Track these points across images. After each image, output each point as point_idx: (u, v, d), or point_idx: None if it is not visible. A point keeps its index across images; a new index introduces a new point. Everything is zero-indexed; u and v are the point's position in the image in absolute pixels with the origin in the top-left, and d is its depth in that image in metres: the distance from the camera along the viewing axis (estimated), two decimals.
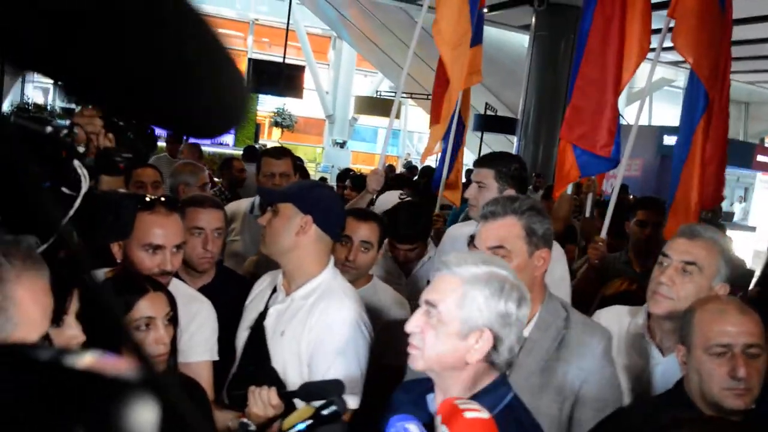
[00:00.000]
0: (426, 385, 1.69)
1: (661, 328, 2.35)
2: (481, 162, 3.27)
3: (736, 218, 16.45)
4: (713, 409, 1.84)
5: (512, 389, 1.67)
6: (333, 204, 2.50)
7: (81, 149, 1.53)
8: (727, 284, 2.28)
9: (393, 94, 20.65)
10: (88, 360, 0.49)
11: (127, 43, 0.57)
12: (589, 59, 4.30)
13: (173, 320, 1.99)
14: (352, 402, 2.22)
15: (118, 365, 0.48)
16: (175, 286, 2.39)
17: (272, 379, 2.26)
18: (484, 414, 1.36)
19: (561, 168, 4.32)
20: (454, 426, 1.32)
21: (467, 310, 1.56)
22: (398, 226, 3.50)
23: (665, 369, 2.27)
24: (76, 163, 1.44)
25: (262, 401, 1.99)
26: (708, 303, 1.96)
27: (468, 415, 1.33)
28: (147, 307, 1.91)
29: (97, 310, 1.57)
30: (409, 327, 1.62)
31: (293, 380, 2.27)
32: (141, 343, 1.85)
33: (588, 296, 3.76)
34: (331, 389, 1.90)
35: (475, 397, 1.56)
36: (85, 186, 1.45)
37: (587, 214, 5.30)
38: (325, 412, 1.76)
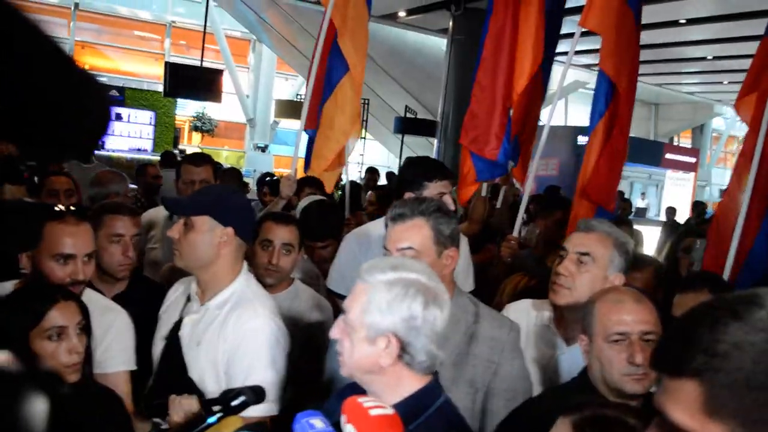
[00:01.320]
0: (358, 391, 1.69)
1: (565, 319, 2.46)
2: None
3: (649, 214, 17.14)
4: (615, 395, 1.95)
5: (443, 394, 1.69)
6: (247, 210, 2.50)
7: None
8: (622, 274, 2.41)
9: None
10: None
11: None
12: (483, 66, 4.46)
13: (86, 329, 1.97)
14: (272, 408, 2.24)
15: (4, 359, 0.51)
16: (89, 296, 2.36)
17: (190, 389, 2.24)
18: (389, 410, 1.38)
19: (461, 172, 4.44)
20: (360, 424, 1.34)
21: (371, 315, 1.59)
22: (309, 224, 3.55)
23: (570, 358, 2.38)
24: None
25: (183, 409, 1.99)
26: (606, 294, 2.06)
27: (373, 412, 1.36)
28: (58, 316, 1.89)
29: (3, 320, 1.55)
30: (332, 334, 1.67)
31: (211, 389, 2.26)
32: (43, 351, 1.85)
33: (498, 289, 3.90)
34: (251, 395, 1.92)
35: (400, 403, 1.59)
36: None
37: (498, 205, 5.41)
38: (233, 402, 1.79)
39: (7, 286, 2.06)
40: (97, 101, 0.78)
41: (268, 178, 6.75)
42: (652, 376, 1.92)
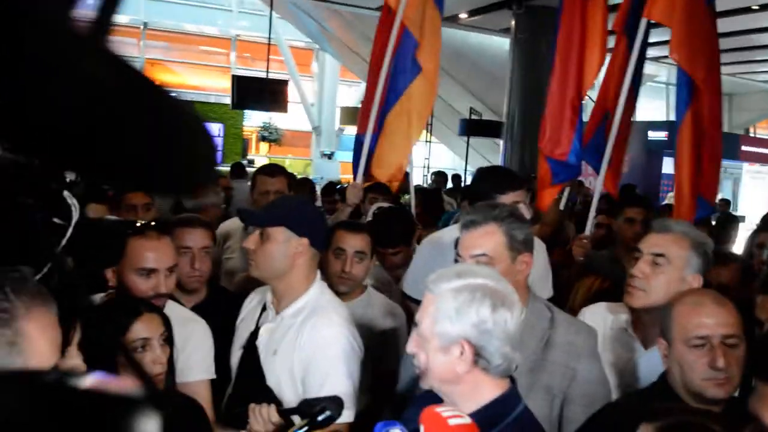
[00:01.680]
0: (437, 399, 1.70)
1: (642, 322, 2.41)
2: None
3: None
4: (696, 400, 1.90)
5: (522, 401, 1.69)
6: (320, 219, 2.56)
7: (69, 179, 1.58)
8: (700, 275, 2.34)
9: None
10: (90, 381, 0.54)
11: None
12: (555, 67, 4.41)
13: (169, 340, 2.03)
14: (348, 416, 2.25)
15: (120, 384, 0.54)
16: (170, 307, 2.43)
17: (268, 397, 2.29)
18: (467, 420, 1.38)
19: (540, 176, 4.41)
20: None
21: (441, 324, 1.60)
22: (380, 231, 3.57)
23: (648, 361, 2.32)
24: (66, 193, 1.48)
25: (263, 418, 2.03)
26: (685, 297, 2.01)
27: (451, 422, 1.36)
28: (142, 328, 1.96)
29: (94, 335, 1.62)
30: (408, 349, 1.69)
31: (288, 398, 2.31)
32: (139, 361, 1.91)
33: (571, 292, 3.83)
34: (330, 404, 1.94)
35: (479, 411, 1.59)
36: (75, 215, 1.49)
37: (561, 207, 5.30)
38: (320, 417, 1.81)
39: (95, 300, 2.14)
40: (191, 135, 0.81)
41: (339, 186, 6.83)
42: (734, 381, 1.87)
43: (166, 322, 2.04)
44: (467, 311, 1.59)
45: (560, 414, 2.19)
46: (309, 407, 1.98)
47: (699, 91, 4.27)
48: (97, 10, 0.67)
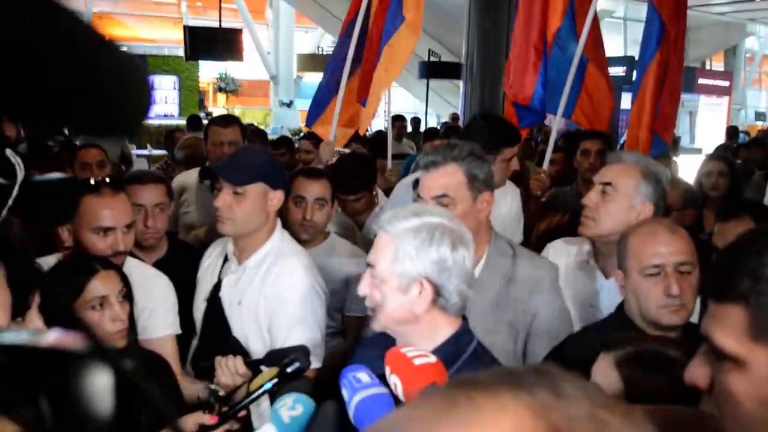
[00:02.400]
0: (388, 340, 1.71)
1: (602, 253, 2.45)
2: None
3: (683, 143, 16.80)
4: (653, 328, 1.94)
5: (475, 337, 1.70)
6: (284, 168, 2.55)
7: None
8: (651, 203, 2.37)
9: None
10: (50, 338, 0.55)
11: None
12: (519, 11, 4.38)
13: (128, 297, 2.01)
14: (315, 362, 2.26)
15: (72, 340, 0.54)
16: (131, 264, 2.41)
17: (235, 348, 2.29)
18: (432, 359, 1.39)
19: (505, 118, 4.40)
20: (404, 374, 1.35)
21: (400, 264, 1.59)
22: (341, 177, 3.55)
23: (608, 292, 2.36)
24: (8, 152, 1.43)
25: (230, 370, 2.03)
26: (639, 227, 2.03)
27: (417, 361, 1.37)
28: (99, 286, 1.93)
29: (50, 296, 1.59)
30: (360, 291, 1.67)
31: (256, 348, 2.32)
32: (93, 321, 1.89)
33: (532, 227, 3.88)
34: (296, 355, 1.95)
35: (437, 350, 1.59)
36: (20, 174, 1.44)
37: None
38: (289, 369, 1.80)
39: (50, 261, 2.10)
40: (138, 81, 0.79)
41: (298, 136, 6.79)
42: (689, 306, 1.92)
43: (124, 279, 2.01)
44: (428, 250, 1.58)
45: (524, 348, 2.23)
46: (277, 358, 1.99)
47: (666, 30, 4.27)
48: None
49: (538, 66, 4.34)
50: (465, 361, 1.62)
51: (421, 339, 1.62)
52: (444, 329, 1.65)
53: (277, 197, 2.38)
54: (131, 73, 0.79)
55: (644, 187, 2.37)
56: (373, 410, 1.38)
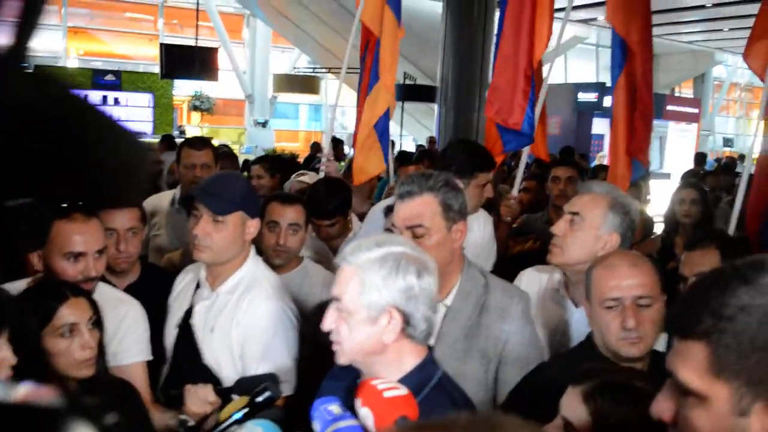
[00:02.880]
0: (354, 372, 1.71)
1: (572, 282, 2.48)
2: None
3: (652, 167, 17.06)
4: (616, 359, 1.96)
5: (440, 367, 1.71)
6: (257, 195, 2.56)
7: None
8: (618, 234, 2.41)
9: (311, 70, 20.47)
10: (22, 392, 0.54)
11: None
12: (505, 35, 4.41)
13: (98, 324, 1.99)
14: (286, 389, 2.28)
15: (46, 395, 0.54)
16: (101, 289, 2.38)
17: (206, 375, 2.28)
18: (403, 390, 1.40)
19: (488, 143, 4.42)
20: (376, 406, 1.36)
21: (368, 295, 1.59)
22: (316, 202, 3.55)
23: (579, 321, 2.38)
24: None
25: (199, 399, 2.02)
26: (603, 259, 2.06)
27: (387, 394, 1.38)
28: (69, 313, 1.91)
29: (19, 323, 1.58)
30: (325, 326, 1.64)
31: (228, 375, 2.31)
32: (65, 349, 1.87)
33: (504, 253, 3.91)
34: (266, 382, 1.94)
35: (404, 379, 1.60)
36: None
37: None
38: (259, 399, 1.80)
39: (19, 286, 2.08)
40: (134, 158, 0.83)
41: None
42: (647, 339, 1.93)
43: (94, 306, 2.00)
44: (395, 279, 1.59)
45: (496, 377, 2.24)
46: (247, 385, 1.98)
47: (632, 54, 4.35)
48: (14, 34, 0.67)
49: (528, 91, 4.38)
50: (430, 391, 1.63)
51: (388, 369, 1.63)
52: (410, 358, 1.65)
53: (254, 225, 2.39)
54: (128, 152, 0.81)
55: (612, 218, 2.40)
56: None
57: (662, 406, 1.02)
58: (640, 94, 4.41)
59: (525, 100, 4.29)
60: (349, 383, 1.71)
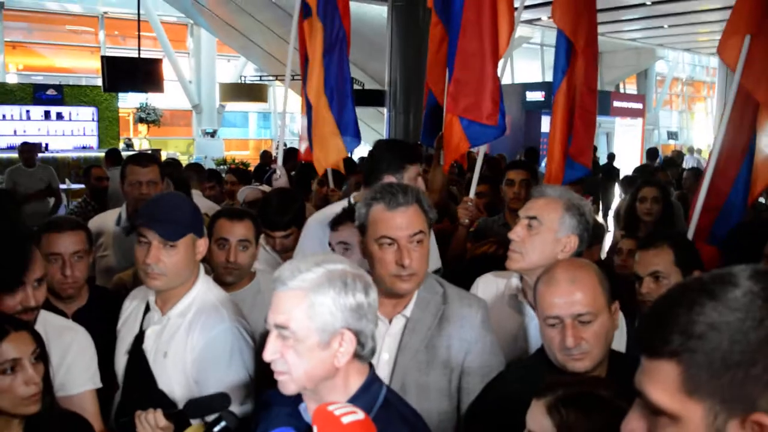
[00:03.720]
0: (293, 396, 1.63)
1: (530, 286, 2.46)
2: None
3: (600, 163, 17.35)
4: (566, 371, 1.93)
5: (383, 384, 1.67)
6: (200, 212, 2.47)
7: None
8: (576, 235, 2.41)
9: (258, 78, 20.29)
10: None
11: None
12: (467, 31, 4.37)
13: (42, 357, 1.89)
14: (247, 409, 2.24)
15: None
16: (44, 318, 2.30)
17: (161, 401, 2.20)
18: (360, 415, 1.35)
19: (449, 141, 4.38)
20: None
21: (320, 318, 1.52)
22: (269, 214, 3.50)
23: (538, 325, 2.36)
24: None
25: (150, 425, 1.94)
26: (546, 273, 2.02)
27: (345, 420, 1.32)
28: (11, 349, 1.81)
29: None
30: (267, 356, 1.54)
31: (183, 399, 2.22)
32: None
33: (461, 256, 3.90)
34: (217, 403, 1.88)
35: (351, 401, 1.55)
36: None
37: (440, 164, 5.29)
38: (216, 429, 1.73)
39: None
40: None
41: (222, 167, 6.66)
42: (592, 353, 1.90)
43: (37, 338, 1.90)
44: (345, 298, 1.53)
45: (459, 386, 2.22)
46: (197, 407, 1.92)
47: (576, 56, 4.37)
48: None
49: (498, 84, 4.36)
50: (378, 410, 1.58)
51: (335, 393, 1.57)
52: (355, 379, 1.61)
53: (203, 244, 2.33)
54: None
55: (568, 220, 2.41)
56: None
57: (633, 425, 1.00)
58: (581, 96, 4.40)
59: (498, 95, 4.27)
60: (291, 409, 1.65)
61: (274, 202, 3.62)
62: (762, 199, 5.89)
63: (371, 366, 1.67)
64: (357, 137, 5.34)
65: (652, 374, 0.94)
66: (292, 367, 1.53)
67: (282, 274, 1.56)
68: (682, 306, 0.92)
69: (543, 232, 2.40)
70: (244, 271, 2.93)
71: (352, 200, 3.24)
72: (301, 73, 5.48)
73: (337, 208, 3.27)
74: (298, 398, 1.63)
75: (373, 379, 1.63)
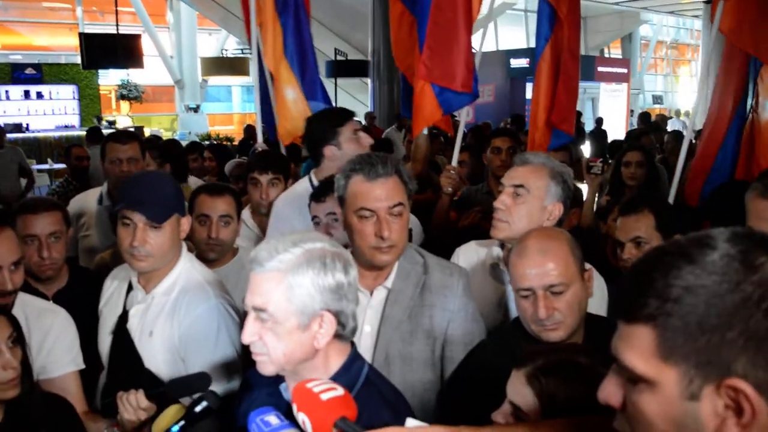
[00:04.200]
0: (274, 377, 1.61)
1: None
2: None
3: (586, 128, 17.35)
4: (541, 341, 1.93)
5: (365, 362, 1.66)
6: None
7: None
8: (561, 203, 2.41)
9: (240, 51, 20.06)
10: None
11: None
12: (440, 1, 4.34)
13: (19, 340, 1.87)
14: (235, 385, 2.23)
15: None
16: (24, 300, 2.29)
17: (148, 380, 2.20)
18: (340, 391, 1.33)
19: (421, 109, 4.35)
20: (313, 411, 1.28)
21: (299, 300, 1.48)
22: (257, 159, 3.60)
23: None
24: None
25: (132, 406, 1.93)
26: (518, 244, 2.01)
27: (324, 396, 1.31)
28: None
29: None
30: (246, 338, 1.51)
31: (170, 377, 2.21)
32: None
33: (445, 225, 3.90)
34: (198, 382, 1.88)
35: (333, 378, 1.53)
36: None
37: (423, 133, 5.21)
38: (197, 409, 1.73)
39: None
40: None
41: (207, 142, 6.60)
42: (567, 322, 1.90)
43: (14, 322, 1.88)
44: (324, 279, 1.50)
45: (442, 355, 2.22)
46: (179, 386, 1.91)
47: (559, 23, 4.34)
48: None
49: (471, 54, 4.33)
50: (360, 389, 1.57)
51: (315, 373, 1.54)
52: (336, 359, 1.59)
53: (186, 222, 2.31)
54: None
55: (554, 188, 2.40)
56: None
57: (610, 392, 1.00)
58: (564, 62, 4.39)
59: (471, 62, 4.24)
60: (272, 389, 1.64)
61: (260, 154, 3.70)
62: None
63: (353, 344, 1.65)
64: (326, 101, 5.25)
65: (628, 339, 0.94)
66: (271, 350, 1.50)
67: (259, 255, 1.52)
68: (658, 270, 0.91)
69: (530, 201, 2.39)
70: (226, 247, 2.91)
71: (312, 177, 3.21)
72: (248, 42, 5.38)
73: (299, 187, 3.27)
74: (279, 378, 1.61)
75: (354, 358, 1.62)
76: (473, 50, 4.27)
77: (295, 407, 1.33)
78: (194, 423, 1.72)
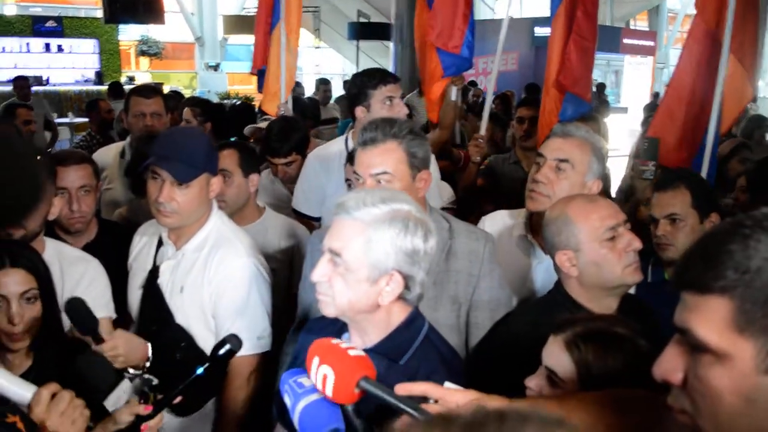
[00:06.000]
0: (337, 324, 1.66)
1: (542, 228, 2.44)
2: None
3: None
4: (614, 294, 1.95)
5: (426, 321, 1.67)
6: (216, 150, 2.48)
7: None
8: (600, 180, 2.38)
9: None
10: None
11: None
12: None
13: (42, 296, 1.92)
14: (266, 344, 2.30)
15: None
16: (58, 248, 2.32)
17: (179, 335, 2.24)
18: (361, 352, 1.36)
19: (426, 68, 4.34)
20: (339, 366, 1.30)
21: (374, 254, 1.51)
22: (271, 140, 3.51)
23: (548, 267, 2.33)
24: None
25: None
26: (572, 202, 2.01)
27: (352, 353, 1.33)
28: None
29: None
30: (315, 277, 1.56)
31: (200, 334, 2.27)
32: None
33: (474, 193, 3.91)
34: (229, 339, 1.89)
35: (392, 334, 1.57)
36: None
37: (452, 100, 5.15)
38: (221, 352, 1.75)
39: None
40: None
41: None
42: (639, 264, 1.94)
43: (40, 277, 1.91)
44: (402, 241, 1.52)
45: (467, 320, 2.23)
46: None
47: None
48: None
49: (468, 15, 4.29)
50: (418, 346, 1.60)
51: (375, 327, 1.59)
52: (398, 315, 1.61)
53: (217, 182, 2.31)
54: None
55: (595, 164, 2.37)
56: (318, 416, 1.34)
57: (668, 367, 0.96)
58: (578, 21, 4.16)
59: (465, 24, 4.22)
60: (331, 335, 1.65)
61: (275, 130, 3.61)
62: None
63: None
64: None
65: (700, 311, 0.91)
66: (337, 293, 1.54)
67: (347, 202, 1.56)
68: (736, 241, 0.89)
69: (572, 176, 2.34)
70: (231, 203, 2.88)
71: (349, 138, 3.19)
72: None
73: (334, 147, 3.27)
74: (338, 327, 1.67)
75: (415, 316, 1.64)
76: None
77: (317, 360, 1.33)
78: (217, 364, 1.77)
